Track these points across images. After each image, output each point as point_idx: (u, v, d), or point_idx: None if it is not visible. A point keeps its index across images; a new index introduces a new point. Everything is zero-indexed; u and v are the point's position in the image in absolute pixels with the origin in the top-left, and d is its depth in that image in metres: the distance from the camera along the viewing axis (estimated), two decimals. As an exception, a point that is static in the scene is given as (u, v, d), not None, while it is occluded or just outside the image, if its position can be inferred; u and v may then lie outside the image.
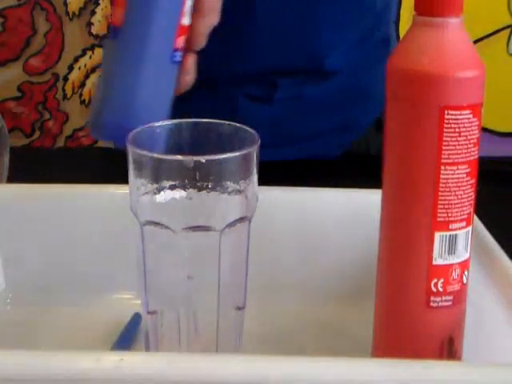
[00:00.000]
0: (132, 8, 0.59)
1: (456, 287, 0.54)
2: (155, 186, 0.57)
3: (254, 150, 0.57)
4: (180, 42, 0.60)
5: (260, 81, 0.98)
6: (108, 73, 0.61)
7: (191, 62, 0.63)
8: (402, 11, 1.59)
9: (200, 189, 0.57)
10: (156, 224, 0.57)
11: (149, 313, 0.60)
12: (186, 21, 0.60)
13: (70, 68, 2.12)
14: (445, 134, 0.51)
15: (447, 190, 0.52)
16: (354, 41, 1.00)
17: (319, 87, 0.99)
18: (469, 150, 0.52)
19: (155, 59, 0.60)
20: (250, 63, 0.97)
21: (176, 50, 0.60)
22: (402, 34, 0.55)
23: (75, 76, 2.12)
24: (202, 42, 0.64)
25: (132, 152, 0.57)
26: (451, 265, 0.54)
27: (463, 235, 0.54)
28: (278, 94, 0.99)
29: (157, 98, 0.61)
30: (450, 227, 0.53)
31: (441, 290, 0.54)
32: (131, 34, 0.60)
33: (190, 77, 0.64)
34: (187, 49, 0.62)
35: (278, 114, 0.99)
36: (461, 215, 0.53)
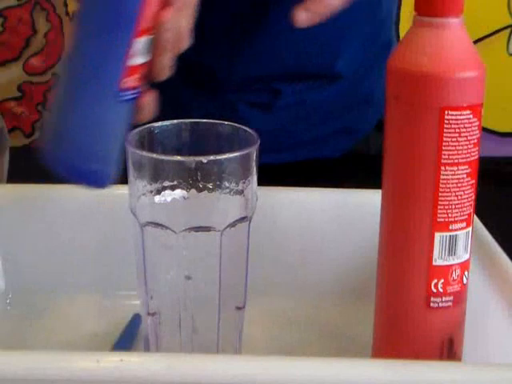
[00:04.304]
0: (77, 45, 0.58)
1: (456, 288, 0.54)
2: (155, 186, 0.57)
3: (253, 150, 0.57)
4: (130, 81, 0.59)
5: (262, 88, 0.98)
6: (58, 102, 0.60)
7: (148, 99, 0.61)
8: (402, 11, 1.59)
9: (200, 189, 0.57)
10: (156, 225, 0.57)
11: (149, 313, 0.60)
12: (137, 61, 0.59)
13: (70, 68, 2.11)
14: (445, 135, 0.51)
15: (447, 190, 0.52)
16: (359, 45, 0.99)
17: (321, 93, 0.99)
18: (469, 151, 0.52)
19: (98, 99, 0.58)
20: (258, 67, 0.96)
21: (124, 89, 0.58)
22: (402, 34, 0.55)
23: (75, 76, 2.12)
24: (163, 75, 0.62)
25: (132, 153, 0.57)
26: (451, 265, 0.54)
27: (463, 236, 0.54)
28: (280, 101, 0.98)
29: (104, 137, 0.60)
30: (450, 228, 0.53)
31: (441, 290, 0.54)
32: (78, 69, 0.58)
33: (144, 114, 0.62)
34: (148, 81, 0.61)
35: (278, 121, 0.98)
36: (461, 216, 0.53)
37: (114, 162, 0.60)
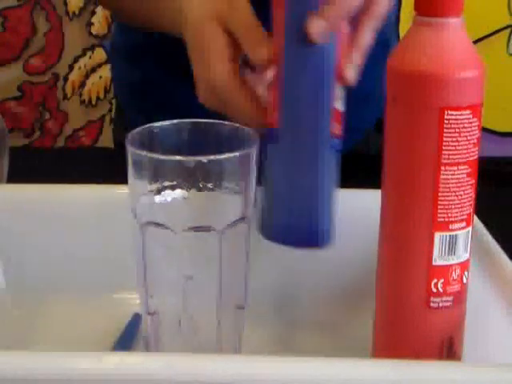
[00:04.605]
0: (287, 110, 0.59)
1: (456, 288, 0.54)
2: (155, 186, 0.57)
3: (253, 150, 0.57)
4: (335, 127, 0.61)
5: None
6: (274, 175, 0.60)
7: None
8: (401, 11, 1.59)
9: (200, 189, 0.57)
10: (156, 225, 0.57)
11: (149, 313, 0.60)
12: (339, 106, 0.61)
13: (70, 68, 2.12)
14: (445, 135, 0.51)
15: (447, 190, 0.52)
16: None
17: None
18: (469, 151, 0.52)
19: (318, 154, 0.60)
20: None
21: (332, 136, 0.60)
22: (402, 34, 0.55)
23: (75, 76, 2.12)
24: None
25: (132, 153, 0.57)
26: (451, 265, 0.54)
27: (463, 235, 0.54)
28: None
29: (324, 190, 0.61)
30: (450, 227, 0.53)
31: (441, 290, 0.54)
32: (290, 134, 0.59)
33: None
34: None
35: None
36: (461, 215, 0.53)
37: (332, 217, 0.60)
